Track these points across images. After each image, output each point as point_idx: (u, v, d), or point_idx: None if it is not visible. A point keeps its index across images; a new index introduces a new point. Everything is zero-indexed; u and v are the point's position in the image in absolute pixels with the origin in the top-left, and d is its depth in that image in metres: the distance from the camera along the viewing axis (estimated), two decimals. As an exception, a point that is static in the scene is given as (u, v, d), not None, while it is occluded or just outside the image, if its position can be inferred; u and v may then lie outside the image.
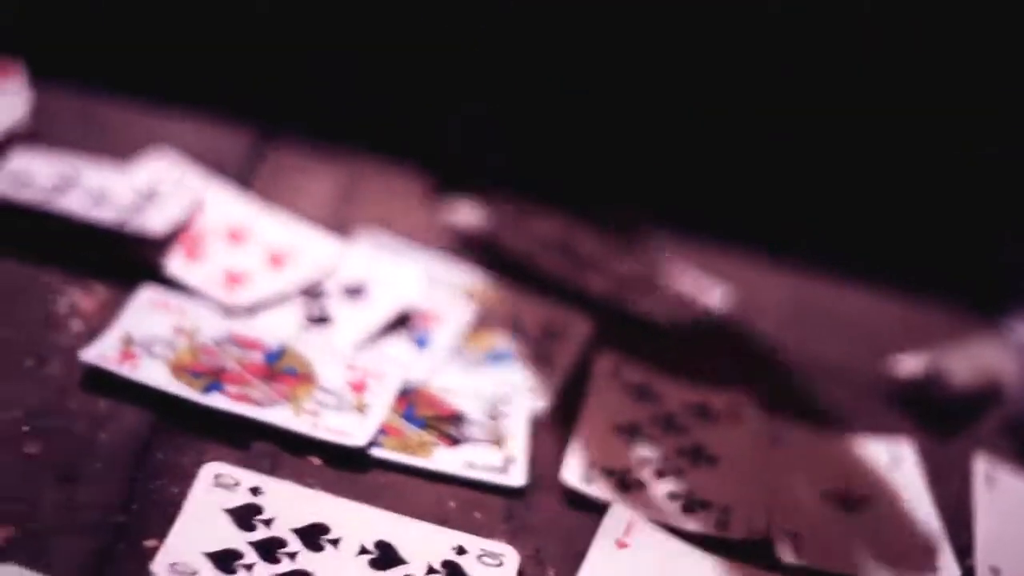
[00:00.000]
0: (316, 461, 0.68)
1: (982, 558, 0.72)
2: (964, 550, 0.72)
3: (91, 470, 0.64)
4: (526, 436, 0.72)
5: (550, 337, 0.80)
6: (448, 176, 0.91)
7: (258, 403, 0.69)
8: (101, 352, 0.69)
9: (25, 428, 0.65)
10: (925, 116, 0.97)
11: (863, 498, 0.74)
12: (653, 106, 0.98)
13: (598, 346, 0.80)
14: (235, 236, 0.80)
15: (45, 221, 0.77)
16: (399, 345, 0.76)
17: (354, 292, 0.79)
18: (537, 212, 0.91)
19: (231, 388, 0.69)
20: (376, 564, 0.62)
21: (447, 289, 0.81)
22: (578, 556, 0.66)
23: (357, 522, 0.64)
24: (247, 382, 0.70)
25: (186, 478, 0.64)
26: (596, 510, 0.69)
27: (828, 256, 0.93)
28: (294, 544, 0.62)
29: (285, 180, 0.88)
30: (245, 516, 0.63)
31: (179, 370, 0.69)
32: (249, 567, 0.60)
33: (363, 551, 0.63)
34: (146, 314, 0.72)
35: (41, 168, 0.80)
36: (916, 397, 0.82)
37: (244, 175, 0.86)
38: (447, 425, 0.71)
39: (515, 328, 0.80)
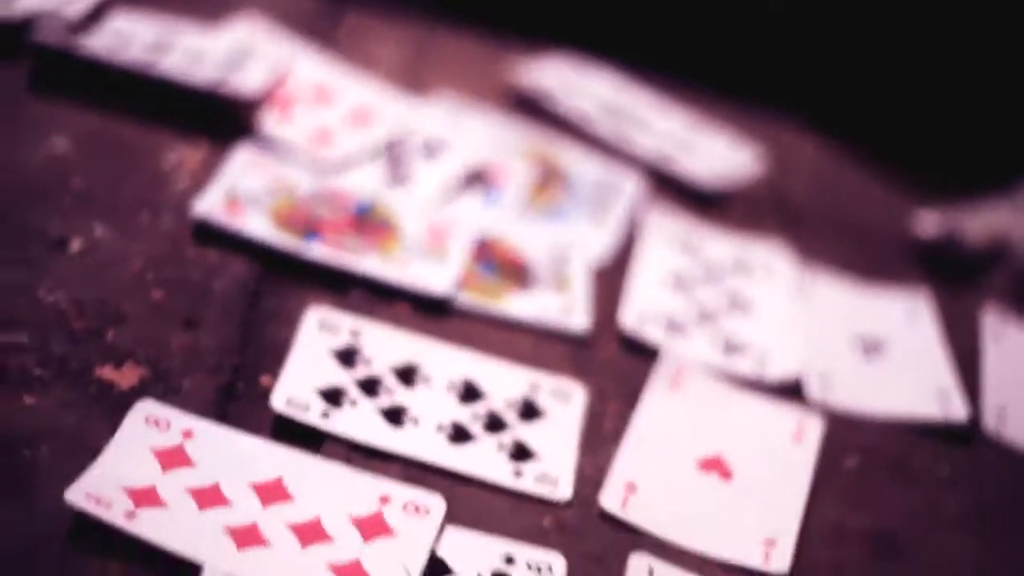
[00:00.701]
0: (405, 307, 0.76)
1: (989, 399, 0.81)
2: (973, 393, 0.81)
3: (209, 316, 0.72)
4: (587, 283, 0.80)
5: (604, 191, 0.88)
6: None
7: (352, 251, 0.77)
8: (209, 206, 0.77)
9: (149, 276, 0.74)
10: None
11: (885, 344, 0.83)
12: None
13: (647, 202, 0.89)
14: (321, 96, 0.88)
15: (145, 81, 0.84)
16: (472, 200, 0.84)
17: (431, 150, 0.87)
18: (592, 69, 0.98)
19: (327, 237, 0.77)
20: (461, 398, 0.71)
21: (513, 148, 0.89)
22: (634, 394, 0.74)
23: (444, 362, 0.73)
24: (341, 232, 0.78)
25: (292, 322, 0.73)
26: (649, 354, 0.77)
27: (854, 122, 1.00)
28: (391, 381, 0.71)
29: (361, 42, 0.95)
30: (348, 356, 0.71)
31: (280, 220, 0.77)
32: (353, 401, 0.69)
33: (450, 387, 0.71)
34: (245, 171, 0.80)
35: (138, 29, 0.87)
36: (933, 254, 0.90)
37: (323, 37, 0.94)
38: (516, 272, 0.79)
39: (571, 184, 0.88)
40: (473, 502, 0.66)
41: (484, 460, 0.68)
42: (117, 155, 0.81)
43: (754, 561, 0.67)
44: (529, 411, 0.71)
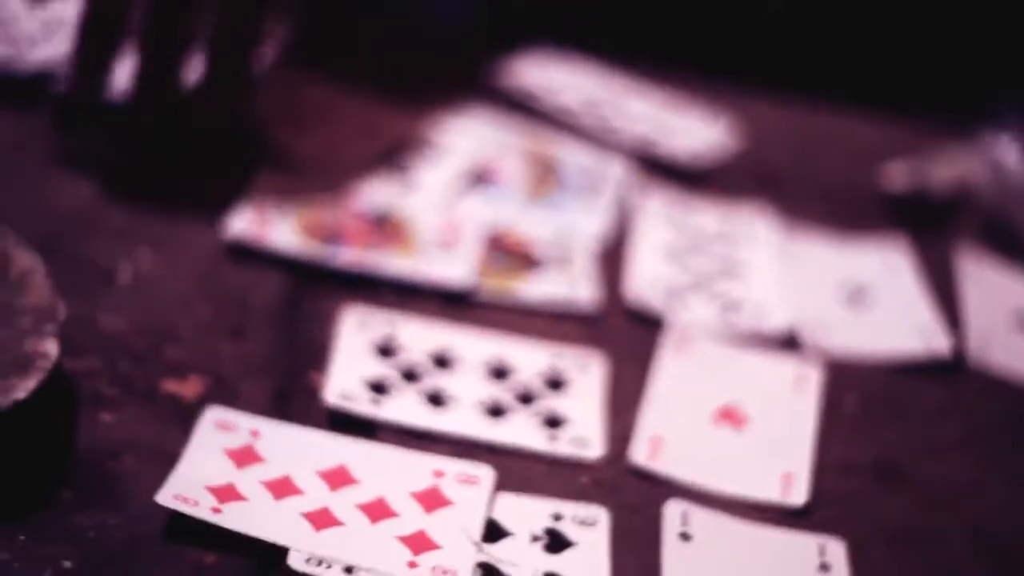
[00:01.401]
0: (431, 301, 0.83)
1: (973, 330, 0.88)
2: (955, 327, 0.88)
3: (254, 326, 0.79)
4: (588, 259, 0.87)
5: (592, 178, 0.95)
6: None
7: (375, 254, 0.84)
8: (240, 226, 0.84)
9: (195, 295, 0.80)
10: None
11: (867, 291, 0.90)
12: None
13: (635, 184, 0.96)
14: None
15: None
16: (476, 197, 0.91)
17: (433, 154, 0.94)
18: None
19: (351, 242, 0.84)
20: (494, 375, 0.78)
21: (509, 146, 0.96)
22: (645, 360, 0.81)
23: (473, 345, 0.80)
24: (363, 237, 0.85)
25: (331, 324, 0.79)
26: (654, 323, 0.84)
27: (823, 86, 1.07)
28: (429, 367, 0.78)
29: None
30: (387, 348, 0.78)
31: (307, 230, 0.84)
32: (397, 388, 0.76)
33: (481, 367, 0.78)
34: (270, 190, 0.87)
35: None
36: (903, 204, 0.97)
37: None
38: (525, 258, 0.86)
39: (564, 175, 0.95)
40: (515, 470, 0.73)
41: (520, 430, 0.75)
42: (149, 186, 0.87)
43: (774, 496, 0.74)
44: (555, 382, 0.78)
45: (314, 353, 0.78)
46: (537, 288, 0.85)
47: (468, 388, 0.77)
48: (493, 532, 0.69)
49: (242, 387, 0.75)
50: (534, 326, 0.83)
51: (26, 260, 0.75)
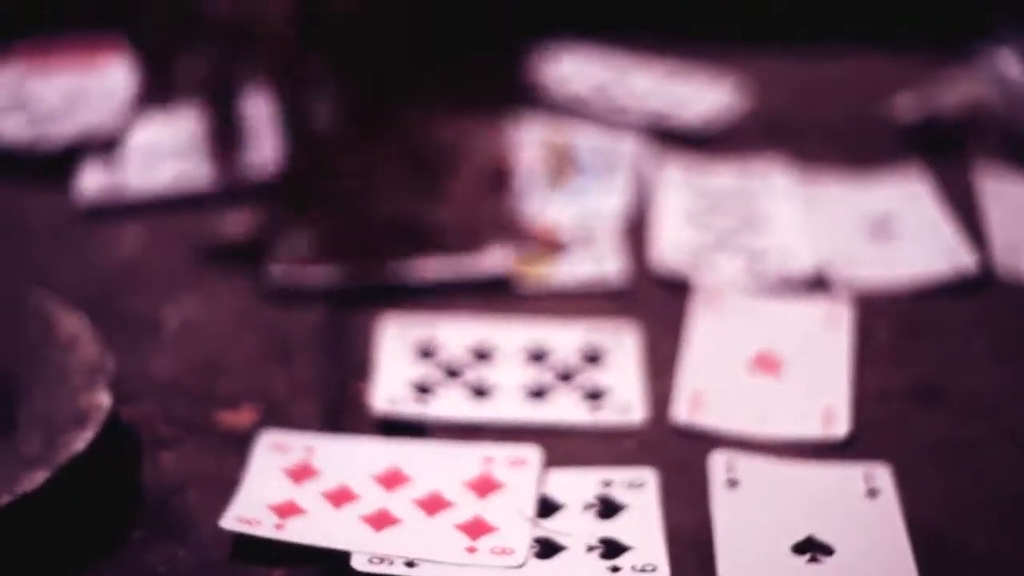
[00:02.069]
0: (467, 298, 0.86)
1: (998, 244, 0.89)
2: (980, 245, 0.90)
3: (299, 350, 0.82)
4: (611, 234, 0.90)
5: (608, 157, 0.97)
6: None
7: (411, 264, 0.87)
8: (282, 271, 0.87)
9: (240, 329, 0.84)
10: None
11: (890, 223, 0.91)
12: None
13: (651, 158, 0.98)
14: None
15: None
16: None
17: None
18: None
19: None
20: (533, 359, 0.81)
21: (528, 141, 0.98)
22: (678, 324, 0.84)
23: (510, 334, 0.82)
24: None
25: (372, 335, 0.82)
26: (683, 288, 0.86)
27: (821, 31, 1.09)
28: (468, 359, 0.81)
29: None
30: (428, 350, 0.81)
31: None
32: (442, 386, 0.79)
33: (520, 353, 0.81)
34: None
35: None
36: (917, 134, 0.99)
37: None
38: (552, 243, 0.89)
39: (582, 162, 0.97)
40: (563, 446, 0.75)
41: (564, 408, 0.78)
42: (185, 236, 0.91)
43: (816, 432, 0.76)
44: (592, 356, 0.81)
45: (359, 366, 0.81)
46: (567, 270, 0.87)
47: (509, 375, 0.80)
48: (547, 507, 0.71)
49: (293, 409, 0.78)
50: (568, 306, 0.85)
51: (72, 322, 0.78)
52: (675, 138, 1.01)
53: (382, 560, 0.67)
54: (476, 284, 0.86)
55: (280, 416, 0.78)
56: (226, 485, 0.72)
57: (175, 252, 0.90)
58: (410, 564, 0.67)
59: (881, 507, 0.71)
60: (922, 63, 1.05)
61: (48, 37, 1.07)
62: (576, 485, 0.73)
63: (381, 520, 0.70)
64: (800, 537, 0.69)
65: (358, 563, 0.67)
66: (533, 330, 0.83)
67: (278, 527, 0.69)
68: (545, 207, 0.93)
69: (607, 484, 0.72)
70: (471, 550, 0.69)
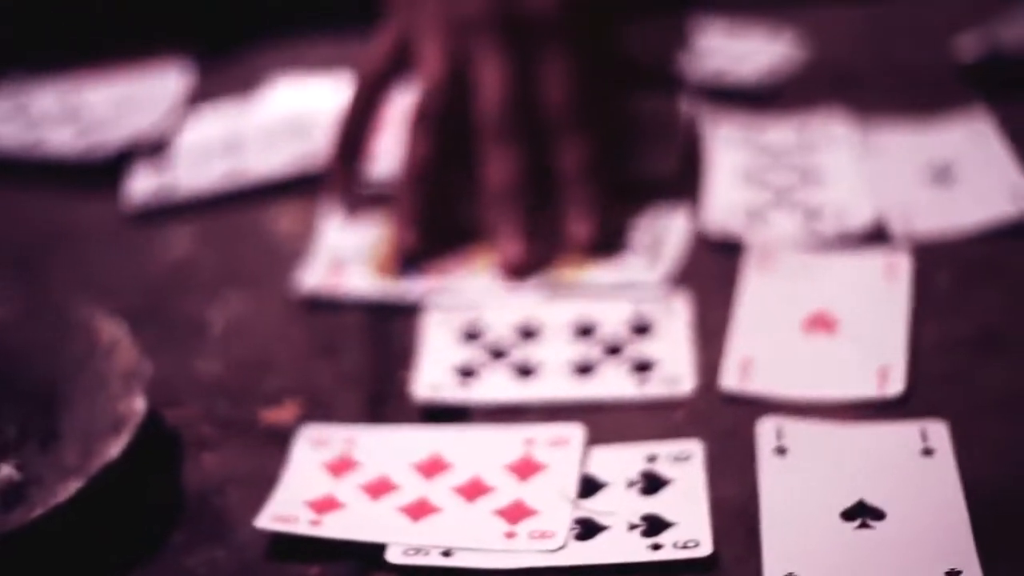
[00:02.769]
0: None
1: (1064, 183, 0.86)
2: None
3: (345, 341, 0.81)
4: (679, 244, 0.85)
5: (658, 117, 0.94)
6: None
7: (452, 273, 0.84)
8: (314, 281, 0.85)
9: (286, 324, 0.83)
10: None
11: (952, 168, 0.88)
12: None
13: (706, 117, 0.95)
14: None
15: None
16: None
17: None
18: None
19: (427, 269, 0.85)
20: (579, 334, 0.79)
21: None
22: (730, 289, 0.81)
23: (556, 311, 0.81)
24: (439, 261, 0.85)
25: (416, 325, 0.81)
26: (737, 250, 0.84)
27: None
28: (514, 340, 0.79)
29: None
30: (472, 332, 0.80)
31: (383, 265, 0.85)
32: (487, 368, 0.77)
33: (566, 329, 0.79)
34: (341, 234, 0.88)
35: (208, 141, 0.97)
36: (982, 74, 0.95)
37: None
38: (610, 247, 0.85)
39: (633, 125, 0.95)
40: (611, 422, 0.73)
41: (611, 383, 0.76)
42: (233, 236, 0.91)
43: (871, 392, 0.73)
44: (641, 327, 0.79)
45: (406, 355, 0.80)
46: (607, 276, 0.84)
47: (556, 353, 0.78)
48: (590, 487, 0.70)
49: (336, 402, 0.77)
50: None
51: (112, 329, 0.78)
52: (733, 96, 0.98)
53: (417, 551, 0.66)
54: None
55: (324, 410, 0.77)
56: (267, 483, 0.71)
57: (224, 251, 0.90)
58: (446, 553, 0.66)
59: (937, 467, 0.68)
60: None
61: (103, 50, 1.07)
62: (620, 462, 0.71)
63: (419, 510, 0.69)
64: (850, 503, 0.67)
65: (393, 556, 0.66)
66: (581, 305, 0.81)
67: (314, 523, 0.68)
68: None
69: (652, 459, 0.70)
70: (510, 535, 0.67)
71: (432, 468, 0.71)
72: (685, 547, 0.65)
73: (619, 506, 0.68)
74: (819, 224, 0.85)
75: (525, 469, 0.71)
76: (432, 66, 0.87)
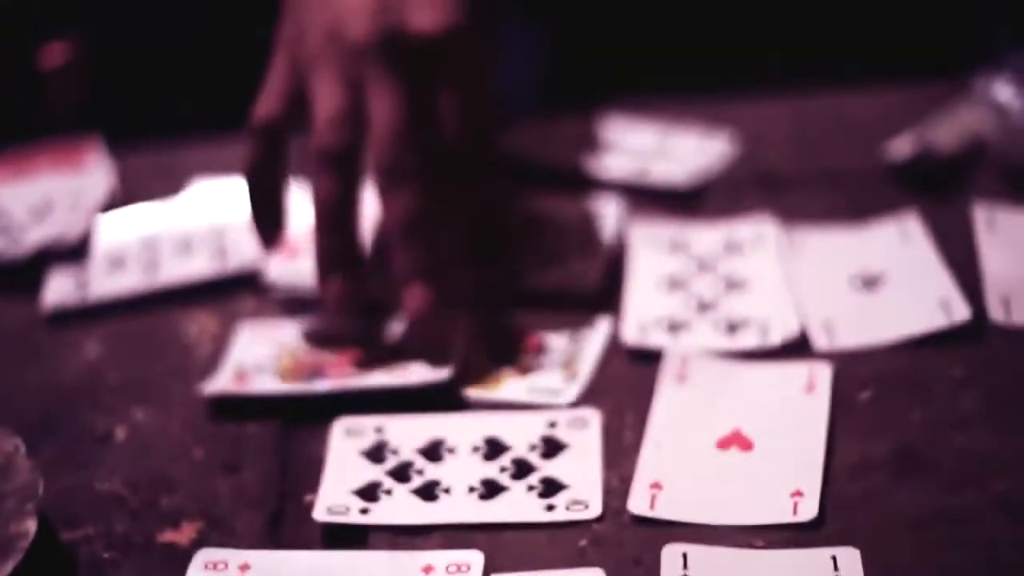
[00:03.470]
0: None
1: (991, 292, 0.83)
2: (975, 291, 0.84)
3: (248, 457, 0.79)
4: (596, 359, 0.82)
5: (586, 223, 0.92)
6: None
7: (356, 377, 0.82)
8: (219, 385, 0.82)
9: (188, 440, 0.80)
10: None
11: (881, 274, 0.86)
12: None
13: (632, 218, 0.93)
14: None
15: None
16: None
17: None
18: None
19: (331, 374, 0.82)
20: (488, 456, 0.76)
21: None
22: (648, 401, 0.79)
23: (466, 428, 0.78)
24: (345, 368, 0.83)
25: (324, 438, 0.79)
26: (657, 360, 0.82)
27: (819, 68, 1.03)
28: (420, 462, 0.76)
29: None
30: (376, 453, 0.77)
31: (286, 375, 0.83)
32: (389, 491, 0.75)
33: (475, 449, 0.77)
34: (250, 346, 0.86)
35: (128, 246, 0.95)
36: (912, 173, 0.93)
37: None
38: (527, 357, 0.83)
39: (557, 229, 0.92)
40: (514, 546, 0.71)
41: (518, 505, 0.74)
42: (143, 344, 0.88)
43: (784, 516, 0.71)
44: (551, 448, 0.76)
45: (311, 471, 0.77)
46: (519, 387, 0.81)
47: (462, 474, 0.76)
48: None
49: (236, 522, 0.75)
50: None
51: (7, 444, 0.76)
52: (657, 196, 0.95)
53: None
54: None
55: (223, 530, 0.74)
56: (158, 611, 0.69)
57: (134, 359, 0.87)
58: None
59: (847, 595, 0.66)
60: (919, 97, 0.99)
61: (26, 144, 1.05)
62: (518, 591, 0.68)
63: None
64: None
65: None
66: (490, 421, 0.78)
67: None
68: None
69: (550, 590, 0.68)
70: (401, 671, 0.64)
71: (327, 598, 0.69)
72: None
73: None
74: (742, 337, 0.82)
75: (422, 598, 0.68)
76: (327, 100, 0.83)
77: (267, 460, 0.78)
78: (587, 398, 0.80)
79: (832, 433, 0.76)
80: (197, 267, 0.93)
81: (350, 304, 0.84)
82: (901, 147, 0.94)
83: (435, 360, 0.82)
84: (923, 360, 0.80)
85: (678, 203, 0.95)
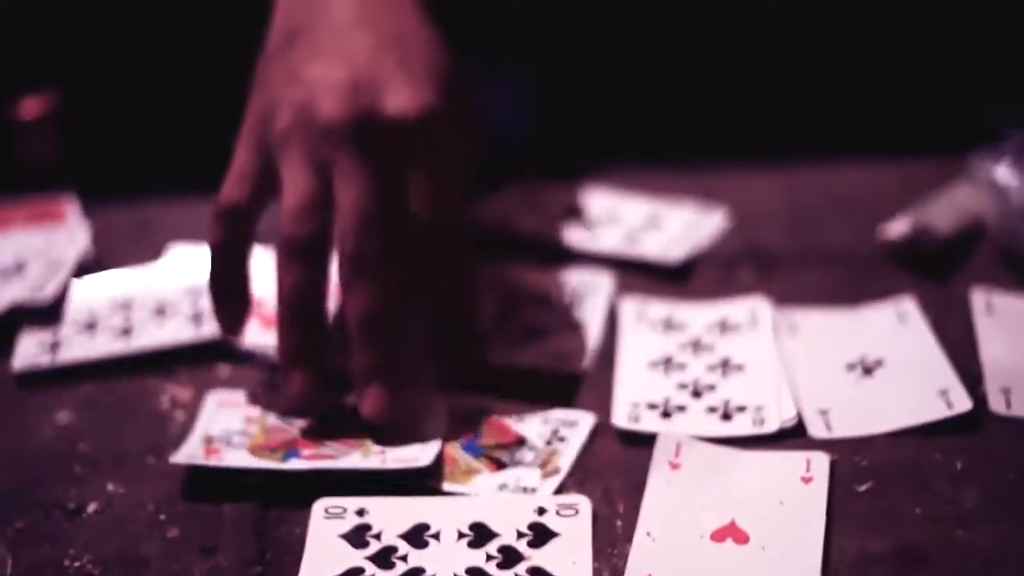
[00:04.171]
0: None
1: (991, 382, 0.81)
2: (975, 380, 0.82)
3: (225, 538, 0.76)
4: (577, 454, 0.80)
5: (579, 300, 0.90)
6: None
7: (331, 457, 0.79)
8: (188, 454, 0.80)
9: (162, 517, 0.77)
10: None
11: (878, 361, 0.84)
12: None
13: (621, 293, 0.91)
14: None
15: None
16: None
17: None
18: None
19: (305, 451, 0.80)
20: (474, 543, 0.74)
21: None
22: (641, 487, 0.76)
23: (450, 513, 0.75)
24: (317, 444, 0.81)
25: (304, 520, 0.76)
26: (652, 442, 0.79)
27: (813, 142, 1.02)
28: (403, 548, 0.74)
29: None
30: (357, 537, 0.74)
31: (257, 450, 0.80)
32: (370, 573, 0.72)
33: (460, 536, 0.74)
34: (216, 416, 0.83)
35: (101, 307, 0.92)
36: (908, 254, 0.91)
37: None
38: (503, 452, 0.80)
39: (546, 301, 0.90)
40: (501, 642, 0.69)
41: (504, 598, 0.71)
42: (115, 412, 0.85)
43: (780, 616, 0.68)
44: (540, 537, 0.74)
45: (290, 553, 0.74)
46: (491, 483, 0.78)
47: (447, 561, 0.73)
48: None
49: (210, 609, 0.72)
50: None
51: (-25, 522, 0.73)
52: (649, 271, 0.93)
53: None
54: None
55: (197, 617, 0.71)
56: None
57: (106, 426, 0.84)
58: None
59: None
60: (915, 175, 0.97)
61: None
62: None
63: None
64: None
65: None
66: (476, 506, 0.76)
67: None
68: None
69: None
70: None
71: None
72: None
73: None
74: (737, 424, 0.80)
75: None
76: (295, 186, 0.79)
77: (244, 541, 0.76)
78: (576, 481, 0.78)
79: (830, 527, 0.73)
80: (172, 332, 0.90)
81: (314, 398, 0.81)
82: (897, 226, 0.92)
83: (411, 438, 0.80)
84: (923, 451, 0.78)
85: (669, 278, 0.93)
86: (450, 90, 0.83)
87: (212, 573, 0.74)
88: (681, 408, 0.82)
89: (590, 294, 0.90)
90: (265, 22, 0.88)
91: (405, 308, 0.80)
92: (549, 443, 0.80)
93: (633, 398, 0.82)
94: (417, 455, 0.79)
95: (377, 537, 0.74)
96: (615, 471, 0.78)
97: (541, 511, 0.75)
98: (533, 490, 0.77)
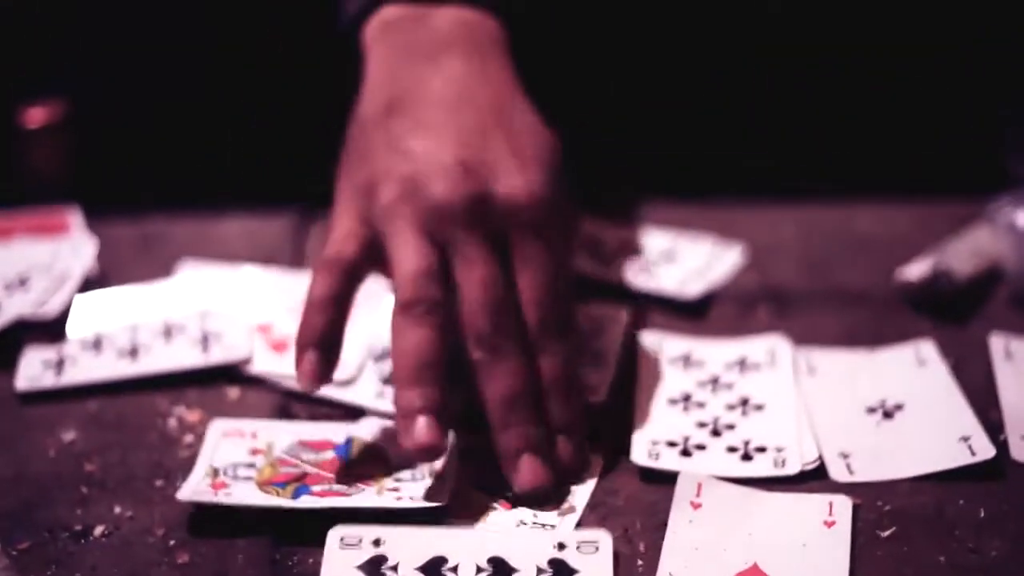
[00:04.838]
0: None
1: (1012, 429, 0.81)
2: (996, 427, 0.81)
3: (236, 564, 0.74)
4: (590, 495, 0.79)
5: (596, 333, 0.89)
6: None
7: (344, 493, 0.78)
8: (194, 489, 0.78)
9: (171, 542, 0.76)
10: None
11: (899, 405, 0.83)
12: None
13: (639, 329, 0.90)
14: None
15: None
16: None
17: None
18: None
19: (316, 488, 0.78)
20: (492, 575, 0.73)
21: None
22: (661, 526, 0.75)
23: (468, 546, 0.74)
24: (328, 479, 0.79)
25: (318, 548, 0.74)
26: (671, 480, 0.78)
27: (832, 183, 1.01)
28: (419, 578, 0.72)
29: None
30: (373, 568, 0.73)
31: (265, 485, 0.79)
32: (388, 610, 0.71)
33: (479, 570, 0.73)
34: (222, 445, 0.82)
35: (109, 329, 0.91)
36: (927, 298, 0.91)
37: (294, 256, 0.97)
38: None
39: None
40: None
41: (523, 637, 0.70)
42: (121, 431, 0.84)
43: (806, 663, 0.67)
44: (560, 573, 0.73)
45: (303, 583, 0.73)
46: (508, 519, 0.77)
47: (466, 596, 0.72)
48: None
49: (220, 643, 0.70)
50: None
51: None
52: (667, 306, 0.92)
53: None
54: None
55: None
56: None
57: (112, 447, 0.83)
58: None
59: None
60: (933, 217, 0.97)
61: (5, 209, 1.01)
62: None
63: None
64: None
65: None
66: (495, 539, 0.74)
67: None
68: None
69: None
70: None
71: None
72: None
73: None
74: (757, 465, 0.79)
75: None
76: (411, 254, 0.79)
77: (257, 570, 0.74)
78: (597, 518, 0.76)
79: (853, 572, 0.72)
80: (179, 355, 0.88)
81: (442, 448, 0.78)
82: (917, 269, 0.91)
83: (422, 472, 0.79)
84: (945, 497, 0.77)
85: (685, 312, 0.92)
86: (555, 173, 0.83)
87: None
88: (701, 447, 0.81)
89: (607, 326, 0.89)
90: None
91: (537, 385, 0.79)
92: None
93: (652, 435, 0.81)
94: (432, 489, 0.77)
95: (394, 569, 0.73)
96: (634, 510, 0.77)
97: (561, 546, 0.74)
98: (552, 527, 0.76)
